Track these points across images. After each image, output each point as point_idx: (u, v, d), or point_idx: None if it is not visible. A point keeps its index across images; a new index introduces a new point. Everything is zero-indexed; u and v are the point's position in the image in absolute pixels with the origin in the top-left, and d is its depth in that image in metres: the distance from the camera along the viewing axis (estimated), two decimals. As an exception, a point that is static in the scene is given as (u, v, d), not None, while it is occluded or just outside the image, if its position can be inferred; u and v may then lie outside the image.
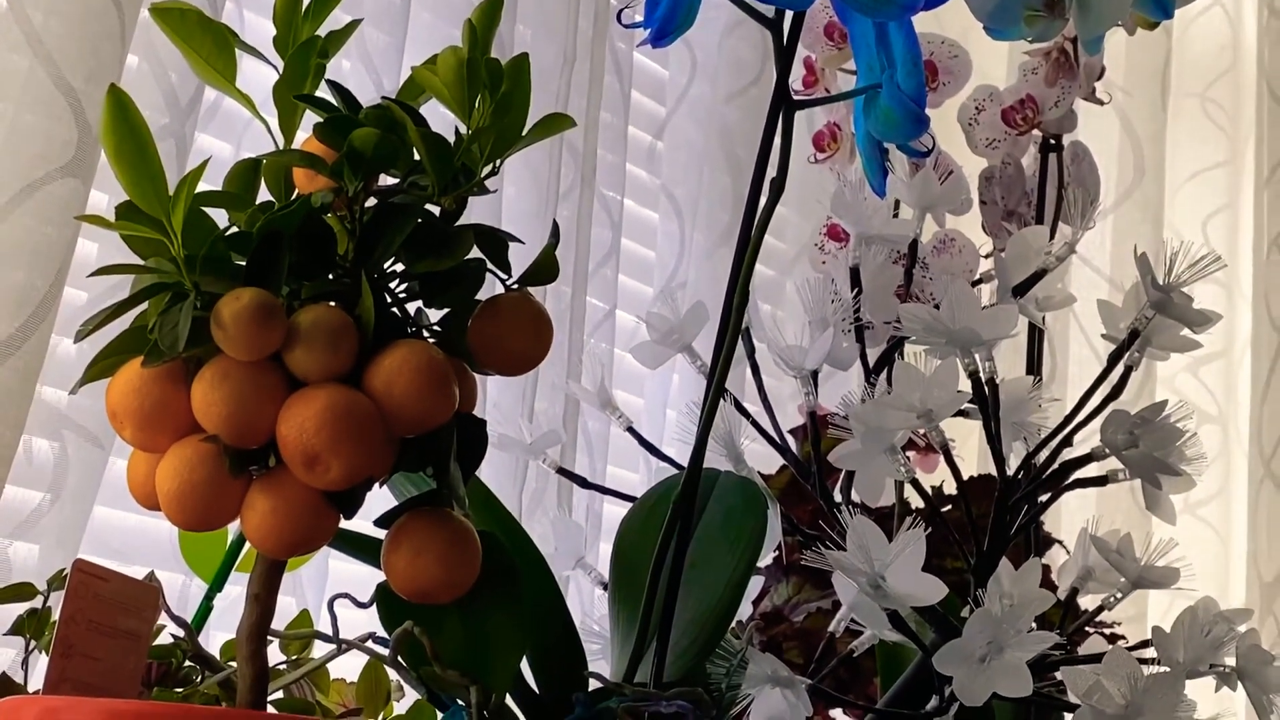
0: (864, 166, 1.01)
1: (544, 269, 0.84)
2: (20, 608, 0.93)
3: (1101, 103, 1.22)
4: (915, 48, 0.94)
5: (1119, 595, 0.97)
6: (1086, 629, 1.00)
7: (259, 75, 0.80)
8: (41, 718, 0.75)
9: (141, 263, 0.77)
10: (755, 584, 1.09)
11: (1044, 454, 0.98)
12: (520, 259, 0.81)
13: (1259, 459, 1.61)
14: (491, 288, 0.81)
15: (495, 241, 0.82)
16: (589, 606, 1.02)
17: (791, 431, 1.04)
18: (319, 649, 0.95)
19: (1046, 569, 0.98)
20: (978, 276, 1.13)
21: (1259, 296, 1.65)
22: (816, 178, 1.26)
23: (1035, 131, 1.20)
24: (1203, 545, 1.68)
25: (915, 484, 1.03)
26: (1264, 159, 1.66)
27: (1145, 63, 1.68)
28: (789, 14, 0.93)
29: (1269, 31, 1.70)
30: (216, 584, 0.94)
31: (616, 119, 1.39)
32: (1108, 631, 1.02)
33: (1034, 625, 0.87)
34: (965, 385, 0.94)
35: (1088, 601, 0.99)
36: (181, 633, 0.89)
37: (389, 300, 0.81)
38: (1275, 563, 1.63)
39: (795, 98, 0.92)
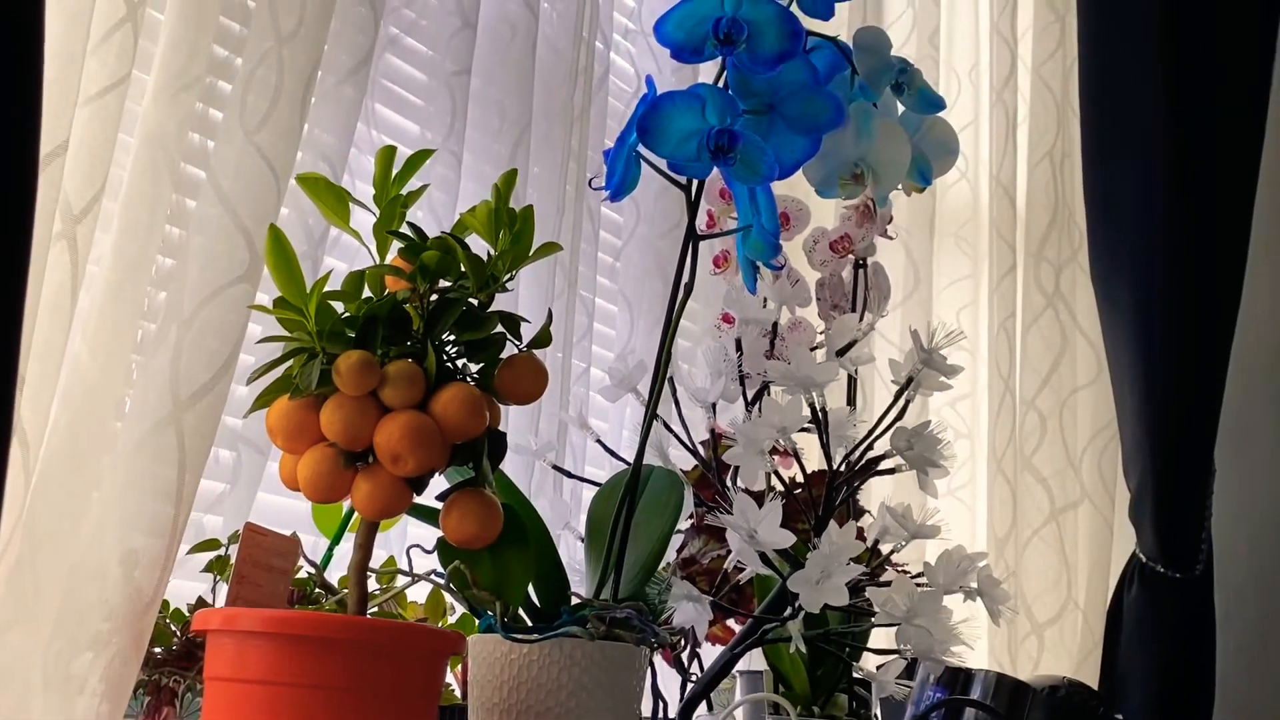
0: (743, 277, 1.01)
1: (542, 339, 0.84)
2: (208, 556, 0.93)
3: (891, 238, 1.19)
4: (773, 203, 0.94)
5: (903, 544, 0.96)
6: (884, 565, 0.98)
7: (365, 218, 0.83)
8: (225, 620, 0.74)
9: (289, 335, 0.79)
10: (677, 539, 1.06)
11: (856, 454, 0.97)
12: (527, 332, 0.83)
13: (993, 460, 1.63)
14: (509, 350, 0.82)
15: (512, 322, 0.82)
16: (572, 553, 1.01)
17: (702, 442, 1.04)
18: (400, 581, 0.95)
19: (860, 529, 0.97)
20: (815, 345, 1.11)
21: (991, 360, 1.67)
22: (715, 284, 1.27)
23: (850, 255, 1.16)
24: (958, 515, 1.67)
25: (777, 474, 1.02)
26: (993, 274, 1.68)
27: (919, 212, 1.67)
28: (695, 181, 0.91)
29: (994, 195, 1.73)
30: (335, 539, 0.93)
31: (590, 247, 1.41)
32: (897, 567, 1.01)
33: (850, 562, 0.88)
34: (807, 412, 0.94)
35: (885, 548, 0.98)
36: (313, 570, 0.89)
37: (444, 357, 0.80)
38: (1003, 525, 1.63)
39: (700, 233, 0.91)
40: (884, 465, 1.00)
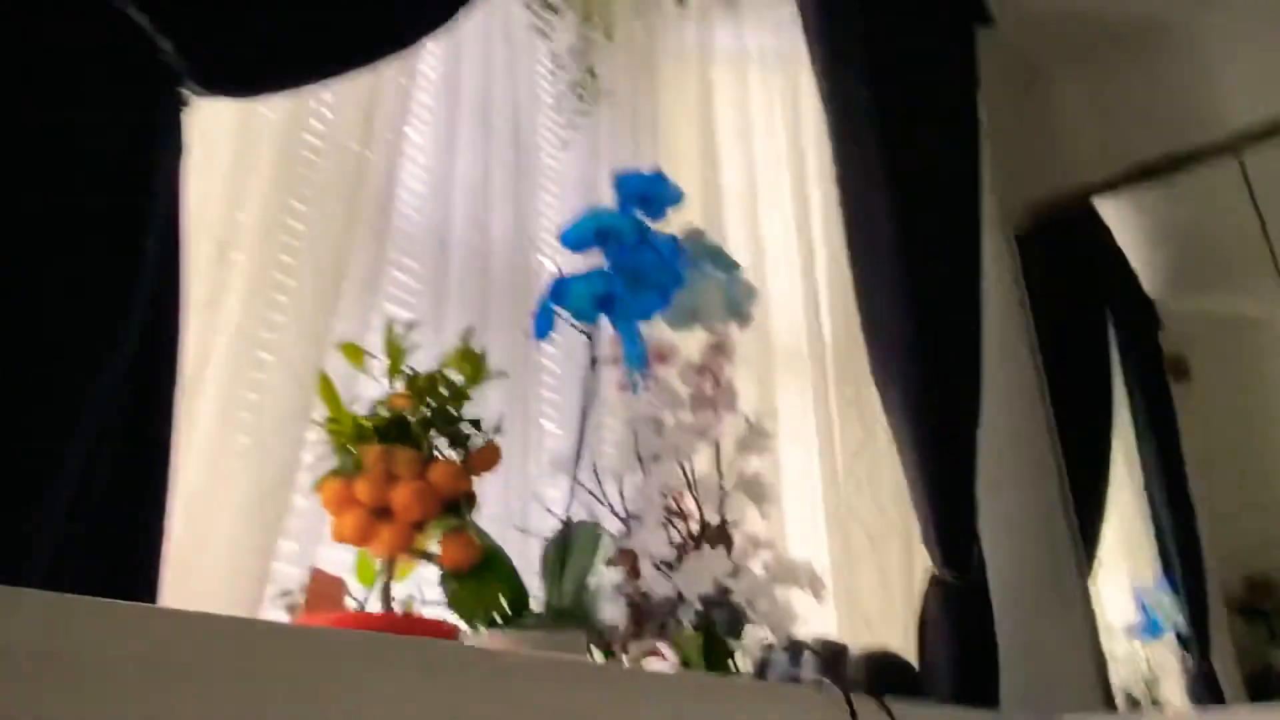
0: (632, 388, 1.08)
1: (497, 430, 0.90)
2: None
3: (734, 364, 1.20)
4: (640, 337, 1.00)
5: (755, 554, 1.01)
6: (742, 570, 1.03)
7: (376, 369, 0.90)
8: (305, 619, 0.79)
9: (330, 440, 0.85)
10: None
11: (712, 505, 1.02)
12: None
13: (828, 512, 1.63)
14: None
15: (476, 423, 0.89)
16: (533, 583, 1.03)
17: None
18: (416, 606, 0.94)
19: (729, 547, 1.02)
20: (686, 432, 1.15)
21: (820, 446, 1.68)
22: (610, 405, 1.29)
23: (710, 374, 1.19)
24: (806, 549, 1.62)
25: (672, 523, 1.06)
26: (817, 387, 1.71)
27: (763, 349, 1.68)
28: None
29: (809, 334, 1.73)
30: (370, 581, 0.94)
31: (534, 374, 1.43)
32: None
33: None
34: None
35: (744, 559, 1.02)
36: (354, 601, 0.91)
37: (433, 446, 0.85)
38: (839, 553, 1.61)
39: (598, 359, 1.00)
40: (731, 513, 1.08)
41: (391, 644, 0.54)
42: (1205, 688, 2.08)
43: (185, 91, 0.68)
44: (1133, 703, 2.09)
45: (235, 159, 1.05)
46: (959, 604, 1.56)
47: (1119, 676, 2.11)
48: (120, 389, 0.61)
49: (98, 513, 0.59)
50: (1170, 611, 2.17)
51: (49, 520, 0.54)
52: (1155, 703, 2.11)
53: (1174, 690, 2.13)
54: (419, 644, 0.56)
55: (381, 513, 0.81)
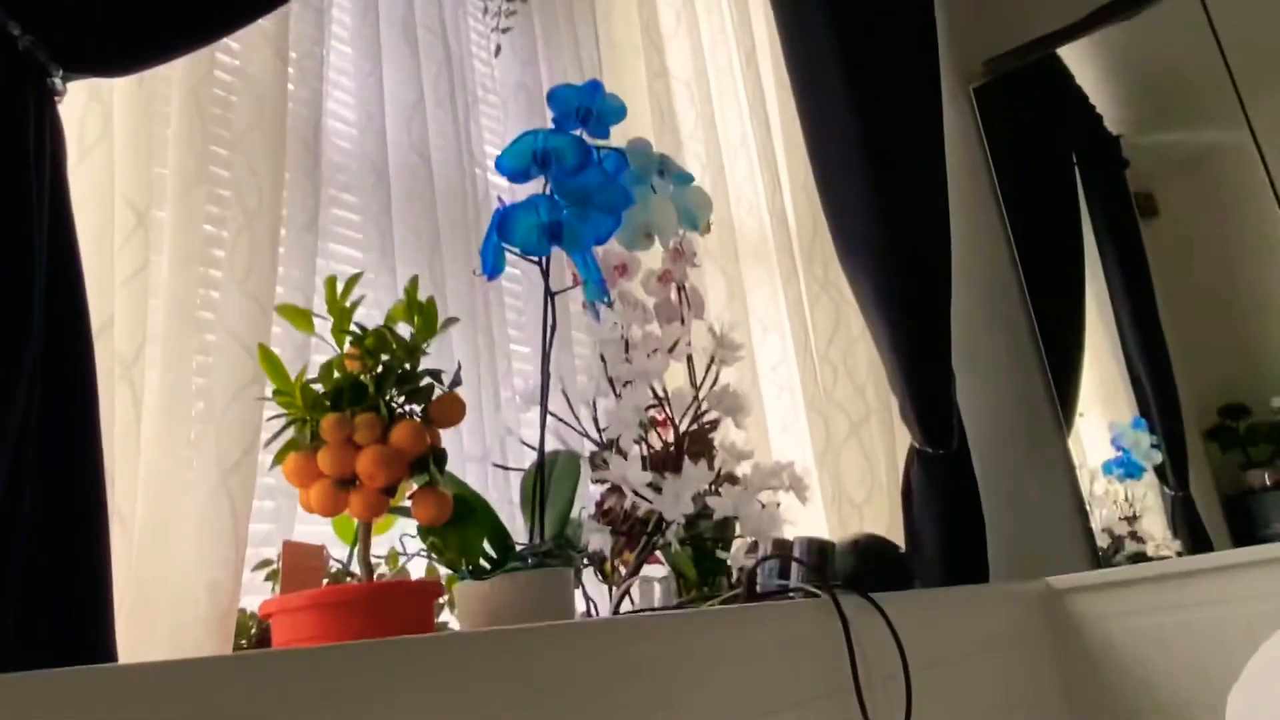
0: (590, 313, 1.05)
1: (456, 382, 0.87)
2: (265, 571, 0.96)
3: (698, 266, 1.22)
4: (596, 263, 0.98)
5: (735, 466, 1.03)
6: (725, 483, 1.04)
7: (325, 325, 0.85)
8: (281, 604, 0.76)
9: (287, 412, 0.81)
10: (597, 494, 1.08)
11: (690, 415, 1.04)
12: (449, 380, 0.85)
13: (806, 401, 1.62)
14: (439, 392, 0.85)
15: (434, 374, 0.85)
16: (514, 519, 1.03)
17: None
18: (400, 560, 0.97)
19: (711, 461, 1.02)
20: (654, 350, 1.12)
21: (793, 334, 1.65)
22: (579, 321, 1.28)
23: (673, 283, 1.20)
24: (790, 442, 1.61)
25: (646, 441, 1.06)
26: (783, 276, 1.66)
27: (726, 244, 1.63)
28: (544, 258, 0.96)
29: (774, 222, 1.68)
30: (353, 543, 0.93)
31: (496, 302, 1.40)
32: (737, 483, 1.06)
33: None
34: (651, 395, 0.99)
35: (726, 471, 1.04)
36: (341, 565, 0.93)
37: (393, 406, 0.82)
38: (821, 443, 1.60)
39: (552, 291, 0.96)
40: (708, 419, 1.09)
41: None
42: (1185, 517, 2.16)
43: (54, 80, 0.62)
44: (1115, 541, 2.17)
45: (140, 112, 0.97)
46: (942, 475, 1.58)
47: (1099, 517, 2.18)
48: (30, 415, 0.57)
49: (29, 557, 0.56)
50: (1147, 449, 2.23)
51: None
52: (1136, 537, 2.19)
53: (1155, 523, 2.20)
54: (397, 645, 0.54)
55: (348, 482, 0.79)
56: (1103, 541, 2.16)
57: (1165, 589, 1.73)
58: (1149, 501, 2.22)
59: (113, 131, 0.91)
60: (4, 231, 0.56)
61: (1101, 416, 2.25)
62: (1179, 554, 2.08)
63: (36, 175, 0.57)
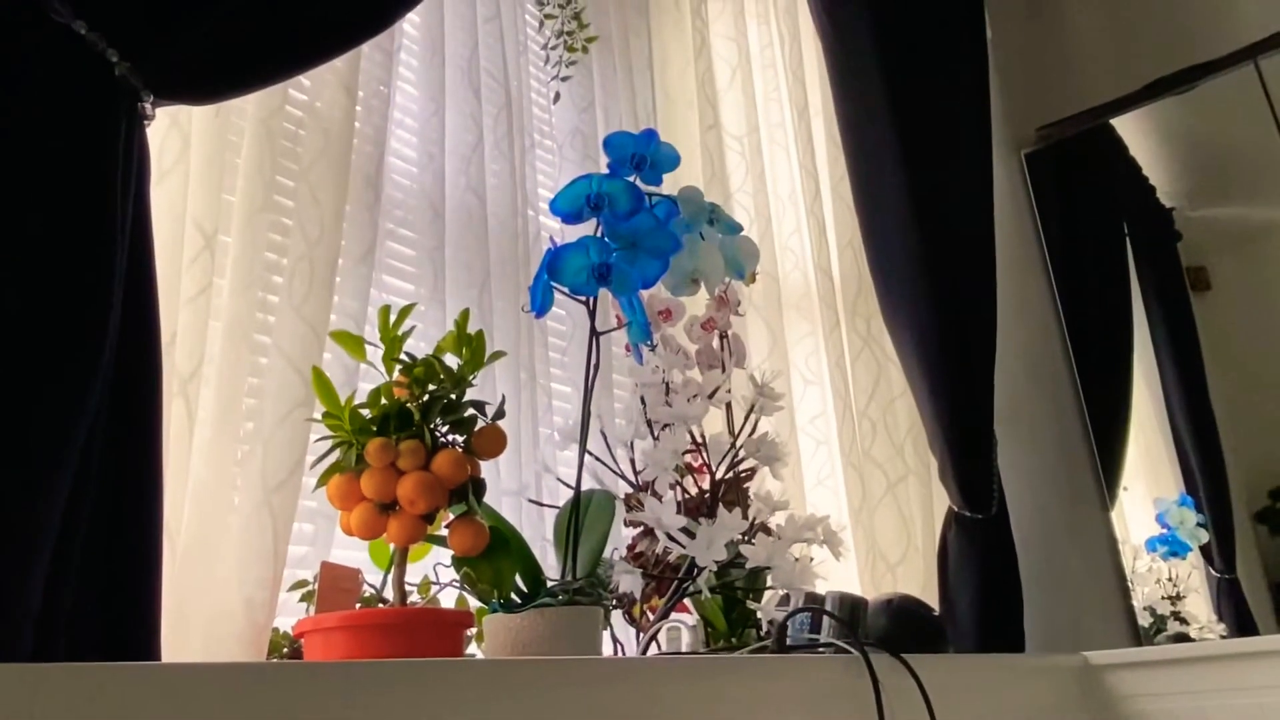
0: (634, 356, 1.08)
1: (500, 415, 0.89)
2: (301, 592, 0.96)
3: (741, 315, 1.25)
4: (642, 306, 1.00)
5: (769, 516, 1.02)
6: (759, 532, 1.03)
7: (376, 353, 0.87)
8: (315, 623, 0.78)
9: (334, 435, 0.83)
10: (628, 537, 1.08)
11: (728, 463, 1.04)
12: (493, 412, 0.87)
13: (843, 456, 1.62)
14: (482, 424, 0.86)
15: (479, 406, 0.87)
16: (546, 556, 1.03)
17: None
18: (433, 589, 0.98)
19: (745, 510, 1.02)
20: (694, 395, 1.15)
21: (833, 388, 1.66)
22: (621, 363, 1.29)
23: (716, 330, 1.22)
24: (826, 497, 1.60)
25: (681, 485, 1.06)
26: (825, 330, 1.68)
27: (770, 295, 1.67)
28: (592, 299, 0.96)
29: (818, 276, 1.69)
30: (387, 569, 0.94)
31: (542, 350, 1.42)
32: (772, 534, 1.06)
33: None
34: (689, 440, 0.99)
35: (760, 521, 1.03)
36: (374, 590, 0.93)
37: (437, 435, 0.84)
38: (857, 499, 1.61)
39: (598, 331, 0.97)
40: (744, 466, 1.09)
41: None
42: (1231, 601, 2.08)
43: (145, 105, 0.65)
44: (1157, 620, 2.10)
45: (215, 139, 1.01)
46: (981, 541, 1.55)
47: (1141, 595, 2.11)
48: (100, 416, 0.59)
49: (86, 563, 0.57)
50: (1193, 528, 2.16)
51: (30, 582, 0.51)
52: (1180, 618, 2.12)
53: (1200, 605, 2.13)
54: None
55: (388, 506, 0.80)
56: (1144, 620, 2.09)
57: (1209, 671, 1.67)
58: (1193, 582, 2.14)
59: (189, 156, 0.95)
60: (91, 241, 0.58)
61: (1146, 491, 2.19)
62: (1223, 638, 2.00)
63: (123, 191, 0.60)
